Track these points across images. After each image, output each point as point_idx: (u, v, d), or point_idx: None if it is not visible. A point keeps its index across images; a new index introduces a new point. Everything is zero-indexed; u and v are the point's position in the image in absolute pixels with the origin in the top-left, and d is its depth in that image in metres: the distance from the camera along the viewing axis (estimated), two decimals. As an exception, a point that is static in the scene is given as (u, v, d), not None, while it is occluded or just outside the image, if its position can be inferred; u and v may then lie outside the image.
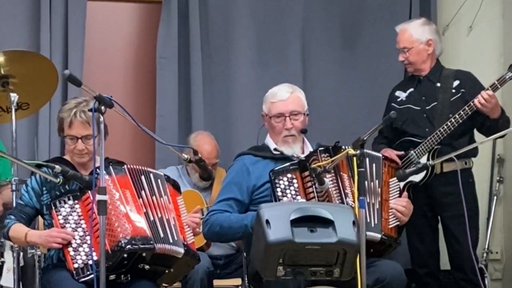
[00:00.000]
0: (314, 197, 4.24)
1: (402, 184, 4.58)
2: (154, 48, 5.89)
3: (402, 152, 5.20)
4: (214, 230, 4.32)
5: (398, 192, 4.45)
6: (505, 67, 5.81)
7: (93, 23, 5.87)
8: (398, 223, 4.39)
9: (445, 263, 5.40)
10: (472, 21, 6.12)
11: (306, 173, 4.27)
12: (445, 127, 5.03)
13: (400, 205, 4.39)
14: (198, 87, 5.89)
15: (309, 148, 4.48)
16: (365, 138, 4.04)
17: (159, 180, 4.18)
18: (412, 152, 5.16)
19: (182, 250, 4.06)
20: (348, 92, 6.19)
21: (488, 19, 6.18)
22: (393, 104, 5.32)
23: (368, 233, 4.14)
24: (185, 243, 4.11)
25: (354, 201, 4.17)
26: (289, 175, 4.28)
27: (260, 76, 6.00)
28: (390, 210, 4.38)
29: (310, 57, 6.13)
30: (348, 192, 4.27)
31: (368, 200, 4.23)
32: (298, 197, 4.25)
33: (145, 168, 4.20)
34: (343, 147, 4.30)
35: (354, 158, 4.00)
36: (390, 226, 4.36)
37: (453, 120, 5.02)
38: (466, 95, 5.12)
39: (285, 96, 4.46)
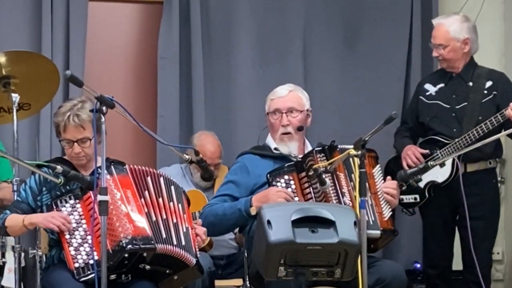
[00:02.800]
0: (311, 198, 4.25)
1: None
2: (155, 49, 5.89)
3: (427, 151, 5.13)
4: (209, 220, 4.33)
5: (382, 180, 4.45)
6: (507, 68, 5.81)
7: (94, 23, 5.88)
8: (391, 212, 4.39)
9: (456, 263, 5.37)
10: (473, 22, 6.10)
11: (303, 174, 4.28)
12: (475, 132, 4.95)
13: (391, 188, 4.39)
14: (199, 87, 5.89)
15: (309, 148, 4.49)
16: (366, 139, 4.03)
17: (172, 187, 4.17)
18: (438, 152, 5.10)
19: (194, 260, 4.06)
20: (350, 92, 6.19)
21: (489, 20, 6.17)
22: (421, 97, 5.23)
23: (369, 231, 4.15)
24: (196, 253, 4.12)
25: (351, 201, 4.19)
26: (286, 177, 4.29)
27: (261, 76, 6.00)
28: (380, 196, 4.36)
29: (311, 57, 6.13)
30: (345, 192, 4.27)
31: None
32: (296, 199, 4.26)
33: (154, 171, 4.18)
34: (339, 146, 4.30)
35: (355, 159, 3.99)
36: (386, 219, 4.36)
37: (483, 127, 4.93)
38: (498, 98, 5.05)
39: (284, 94, 4.49)
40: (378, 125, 4.13)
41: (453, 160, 4.96)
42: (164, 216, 4.07)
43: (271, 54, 6.08)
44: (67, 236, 4.00)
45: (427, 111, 5.17)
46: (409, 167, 5.05)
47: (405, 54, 6.25)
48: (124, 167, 4.13)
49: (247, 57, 6.01)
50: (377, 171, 4.44)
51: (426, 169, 4.54)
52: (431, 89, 5.24)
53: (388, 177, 4.47)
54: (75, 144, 4.14)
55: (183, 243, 4.05)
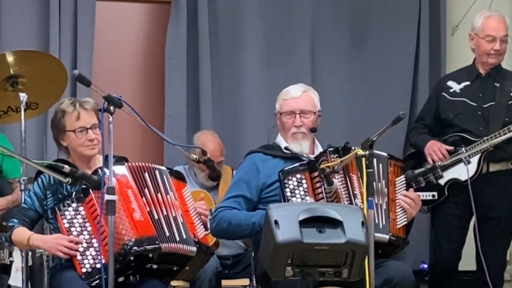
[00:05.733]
0: (323, 198, 4.23)
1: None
2: (163, 48, 5.90)
3: (452, 148, 5.05)
4: (222, 226, 4.32)
5: (404, 190, 4.44)
6: (513, 68, 5.79)
7: (102, 23, 5.88)
8: (406, 221, 4.38)
9: (465, 263, 5.36)
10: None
11: (316, 173, 4.26)
12: (502, 133, 4.89)
13: (409, 197, 4.38)
14: (206, 87, 5.90)
15: (319, 149, 4.48)
16: (374, 139, 4.02)
17: (164, 177, 4.16)
18: (463, 149, 5.01)
19: (194, 249, 4.05)
20: (357, 92, 6.19)
21: (497, 20, 6.15)
22: (443, 93, 5.15)
23: (377, 234, 4.13)
24: (196, 239, 4.10)
25: (363, 202, 4.17)
26: (298, 176, 4.27)
27: (268, 76, 6.00)
28: (397, 204, 4.36)
29: (318, 57, 6.13)
30: (357, 193, 4.26)
31: (375, 201, 4.23)
32: (307, 198, 4.25)
33: (150, 165, 4.16)
34: (353, 148, 4.29)
35: (363, 159, 3.99)
36: (398, 226, 4.35)
37: (511, 127, 4.89)
38: None
39: (297, 94, 4.47)
40: (385, 125, 4.12)
41: (479, 158, 4.92)
42: (165, 213, 4.06)
43: (279, 54, 6.08)
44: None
45: (452, 107, 5.09)
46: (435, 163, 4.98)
47: (412, 54, 6.25)
48: (123, 165, 4.11)
49: (254, 57, 6.02)
50: (400, 180, 4.43)
51: (433, 169, 4.52)
52: (454, 86, 5.16)
53: (411, 190, 4.45)
54: (90, 130, 4.11)
55: (184, 236, 4.04)
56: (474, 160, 4.94)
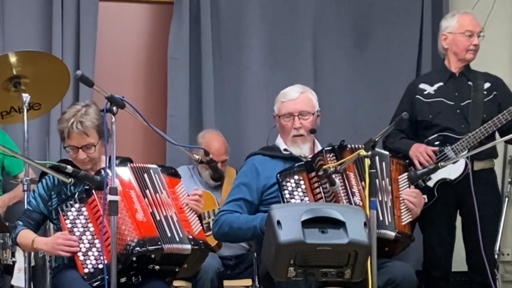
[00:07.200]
0: (321, 198, 4.24)
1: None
2: (165, 49, 5.90)
3: (437, 148, 5.03)
4: (224, 230, 4.32)
5: (407, 188, 4.45)
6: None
7: (104, 23, 5.89)
8: (411, 218, 4.39)
9: (457, 264, 5.35)
10: (484, 23, 6.09)
11: (313, 174, 4.27)
12: (487, 127, 4.91)
13: (411, 196, 4.39)
14: (209, 88, 5.90)
15: (319, 149, 4.48)
16: (376, 139, 4.03)
17: (157, 176, 4.17)
18: (449, 148, 5.01)
19: (189, 247, 4.05)
20: (359, 93, 6.18)
21: (500, 21, 6.16)
22: (418, 96, 5.12)
23: (383, 231, 4.15)
24: (191, 236, 4.09)
25: (361, 200, 4.19)
26: (296, 177, 4.28)
27: (271, 77, 6.00)
28: (401, 202, 4.37)
29: (321, 58, 6.12)
30: (355, 191, 4.26)
31: (380, 199, 4.24)
32: (306, 198, 4.25)
33: (146, 165, 4.18)
34: (349, 146, 4.29)
35: (366, 160, 3.99)
36: (403, 223, 4.36)
37: (496, 121, 4.90)
38: (499, 97, 5.04)
39: (295, 96, 4.46)
40: (388, 126, 4.12)
41: (467, 156, 4.93)
42: (165, 213, 4.08)
43: (281, 55, 6.08)
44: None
45: (429, 108, 5.08)
46: (421, 165, 4.99)
47: (415, 54, 6.25)
48: (126, 166, 4.12)
49: (257, 58, 6.02)
50: (402, 179, 4.44)
51: (436, 169, 4.51)
52: (428, 88, 5.15)
53: (412, 187, 4.46)
54: (80, 150, 4.11)
55: (181, 235, 4.05)
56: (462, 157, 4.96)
